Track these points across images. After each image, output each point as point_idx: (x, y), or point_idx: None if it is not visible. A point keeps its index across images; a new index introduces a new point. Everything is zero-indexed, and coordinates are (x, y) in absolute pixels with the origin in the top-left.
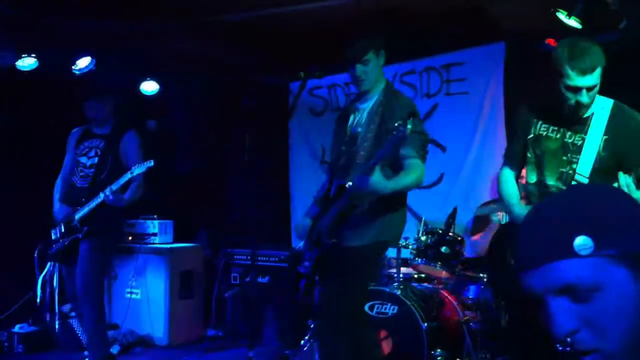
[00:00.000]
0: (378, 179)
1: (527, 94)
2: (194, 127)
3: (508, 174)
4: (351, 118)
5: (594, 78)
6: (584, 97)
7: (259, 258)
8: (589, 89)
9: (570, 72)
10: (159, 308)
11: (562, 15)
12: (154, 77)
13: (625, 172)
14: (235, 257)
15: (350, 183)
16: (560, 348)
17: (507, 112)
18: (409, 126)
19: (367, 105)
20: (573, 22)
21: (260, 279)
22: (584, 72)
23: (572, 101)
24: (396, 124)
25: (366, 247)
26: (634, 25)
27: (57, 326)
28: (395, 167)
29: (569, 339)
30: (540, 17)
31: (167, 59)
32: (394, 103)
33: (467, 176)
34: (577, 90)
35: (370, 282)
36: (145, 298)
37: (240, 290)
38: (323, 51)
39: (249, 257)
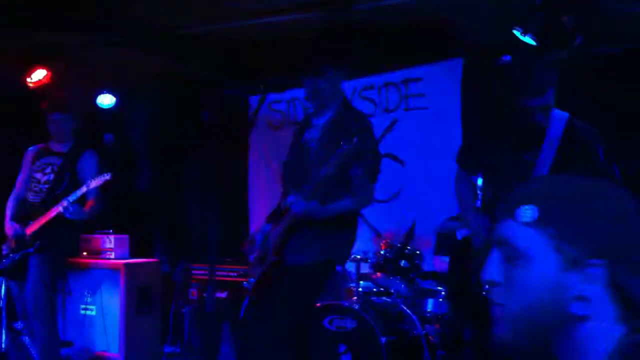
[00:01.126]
0: (312, 206)
1: (483, 109)
2: (152, 141)
3: (463, 175)
4: (306, 133)
5: (546, 99)
6: (537, 117)
7: (218, 273)
8: (542, 109)
9: (522, 94)
10: (115, 324)
11: (518, 33)
12: (110, 91)
13: None
14: (193, 272)
15: (287, 203)
16: (484, 292)
17: (463, 127)
18: (350, 145)
19: (321, 122)
20: (529, 40)
21: (218, 294)
22: (535, 93)
23: (527, 122)
24: (341, 142)
25: (309, 266)
26: (589, 42)
27: (3, 344)
28: (347, 186)
29: (490, 287)
30: (498, 34)
31: (125, 71)
32: (346, 120)
33: (425, 191)
34: (532, 110)
35: (314, 300)
36: (101, 314)
37: (199, 306)
38: (283, 64)
39: (207, 272)
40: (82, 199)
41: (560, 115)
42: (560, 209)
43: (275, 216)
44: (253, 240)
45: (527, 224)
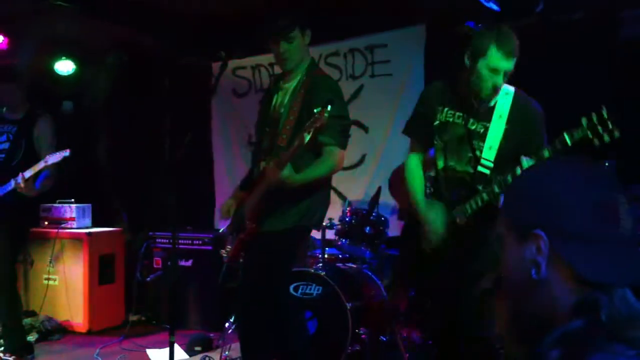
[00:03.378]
0: (288, 173)
1: (446, 76)
2: (113, 108)
3: (414, 161)
4: (275, 98)
5: (512, 63)
6: (500, 79)
7: (182, 241)
8: (506, 73)
9: (495, 53)
10: (78, 294)
11: None
12: (70, 57)
13: (526, 156)
14: (157, 240)
15: (263, 170)
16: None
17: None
18: (325, 114)
19: (290, 85)
20: (492, 5)
21: (183, 263)
22: (507, 54)
23: (489, 84)
24: (315, 111)
25: (287, 232)
26: (550, 9)
27: None
28: (318, 151)
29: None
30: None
31: (85, 38)
32: (316, 85)
33: (389, 157)
34: (497, 72)
35: (290, 267)
36: (64, 284)
37: (163, 274)
38: (247, 30)
39: (171, 241)
40: (37, 174)
41: (507, 89)
42: (512, 194)
43: (249, 183)
44: (228, 205)
45: (500, 210)
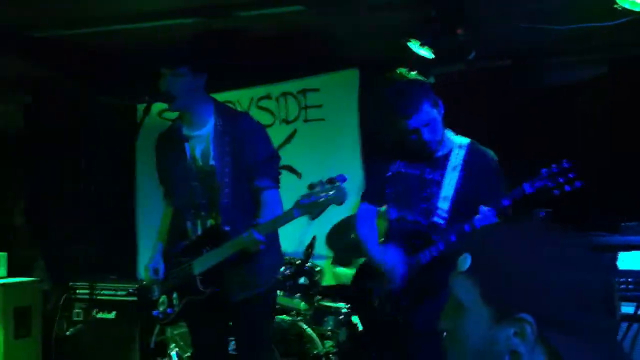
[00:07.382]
0: (263, 230)
1: (381, 121)
2: (28, 150)
3: (366, 210)
4: (188, 148)
5: (423, 115)
6: (425, 135)
7: (104, 292)
8: (426, 125)
9: (399, 118)
10: None
11: (414, 46)
12: None
13: (485, 205)
14: (77, 291)
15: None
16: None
17: (363, 139)
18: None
19: (204, 133)
20: (424, 52)
21: (105, 315)
22: (409, 114)
23: (418, 142)
24: (255, 182)
25: (265, 292)
26: (482, 56)
27: None
28: (253, 196)
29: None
30: (394, 46)
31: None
32: (240, 130)
33: None
34: (415, 131)
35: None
36: None
37: (83, 328)
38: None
39: (89, 292)
40: None
41: (460, 141)
42: (490, 260)
43: (188, 243)
44: (153, 267)
45: (463, 273)
